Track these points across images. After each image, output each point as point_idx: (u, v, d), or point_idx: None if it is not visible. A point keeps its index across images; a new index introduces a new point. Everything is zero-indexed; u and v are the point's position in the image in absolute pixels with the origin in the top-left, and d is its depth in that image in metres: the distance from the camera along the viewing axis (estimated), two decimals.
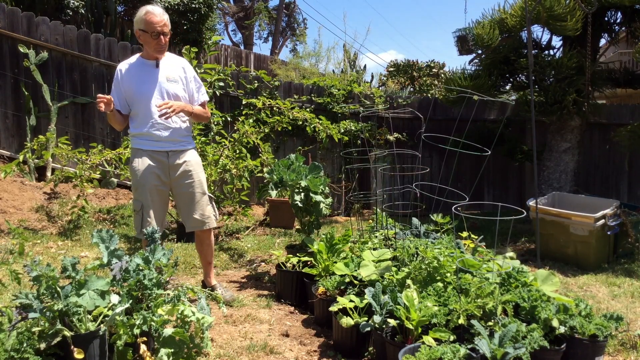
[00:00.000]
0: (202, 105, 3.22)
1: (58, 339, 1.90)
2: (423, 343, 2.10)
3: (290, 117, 5.91)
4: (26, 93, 5.62)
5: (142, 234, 2.93)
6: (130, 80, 2.99)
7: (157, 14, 2.92)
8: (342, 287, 2.91)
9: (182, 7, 8.85)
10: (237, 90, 6.48)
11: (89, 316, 2.05)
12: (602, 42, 6.59)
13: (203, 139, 5.19)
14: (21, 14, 5.60)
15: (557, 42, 6.23)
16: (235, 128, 5.63)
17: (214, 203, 3.30)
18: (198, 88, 3.20)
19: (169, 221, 5.20)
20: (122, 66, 3.04)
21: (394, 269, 2.79)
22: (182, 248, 4.45)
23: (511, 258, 3.11)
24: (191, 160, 3.14)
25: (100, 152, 4.98)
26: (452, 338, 2.16)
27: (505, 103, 7.06)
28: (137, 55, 3.11)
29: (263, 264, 4.31)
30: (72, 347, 1.89)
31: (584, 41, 5.32)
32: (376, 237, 3.53)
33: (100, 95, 2.79)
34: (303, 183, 3.59)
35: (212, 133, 5.59)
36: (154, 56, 3.03)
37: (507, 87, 6.74)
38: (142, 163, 2.98)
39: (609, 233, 4.66)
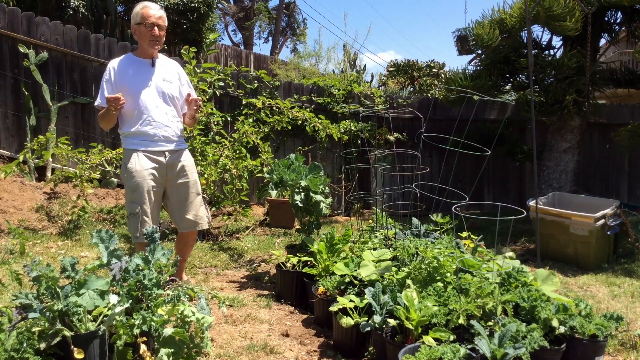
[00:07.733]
0: None
1: (58, 339, 1.90)
2: (423, 343, 2.10)
3: (290, 117, 5.91)
4: (26, 93, 5.62)
5: (139, 237, 2.89)
6: (125, 78, 2.93)
7: (153, 8, 2.94)
8: (342, 287, 2.91)
9: (182, 7, 8.84)
10: (237, 90, 6.48)
11: (89, 316, 2.05)
12: (602, 42, 6.59)
13: (203, 139, 5.19)
14: (21, 14, 5.60)
15: (557, 42, 6.24)
16: (235, 128, 5.63)
17: (206, 204, 3.29)
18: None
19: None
20: (114, 63, 2.98)
21: (394, 269, 2.79)
22: None
23: (511, 258, 3.11)
24: (187, 160, 3.14)
25: (100, 152, 4.98)
26: (452, 338, 2.16)
27: (506, 103, 7.06)
28: (129, 53, 3.08)
29: (263, 264, 4.30)
30: (72, 347, 1.89)
31: (584, 41, 5.32)
32: (376, 237, 3.53)
33: (110, 96, 2.75)
34: (303, 183, 3.59)
35: (212, 133, 5.59)
36: (149, 53, 3.00)
37: (507, 87, 6.74)
38: (139, 164, 2.92)
39: (609, 233, 4.66)
